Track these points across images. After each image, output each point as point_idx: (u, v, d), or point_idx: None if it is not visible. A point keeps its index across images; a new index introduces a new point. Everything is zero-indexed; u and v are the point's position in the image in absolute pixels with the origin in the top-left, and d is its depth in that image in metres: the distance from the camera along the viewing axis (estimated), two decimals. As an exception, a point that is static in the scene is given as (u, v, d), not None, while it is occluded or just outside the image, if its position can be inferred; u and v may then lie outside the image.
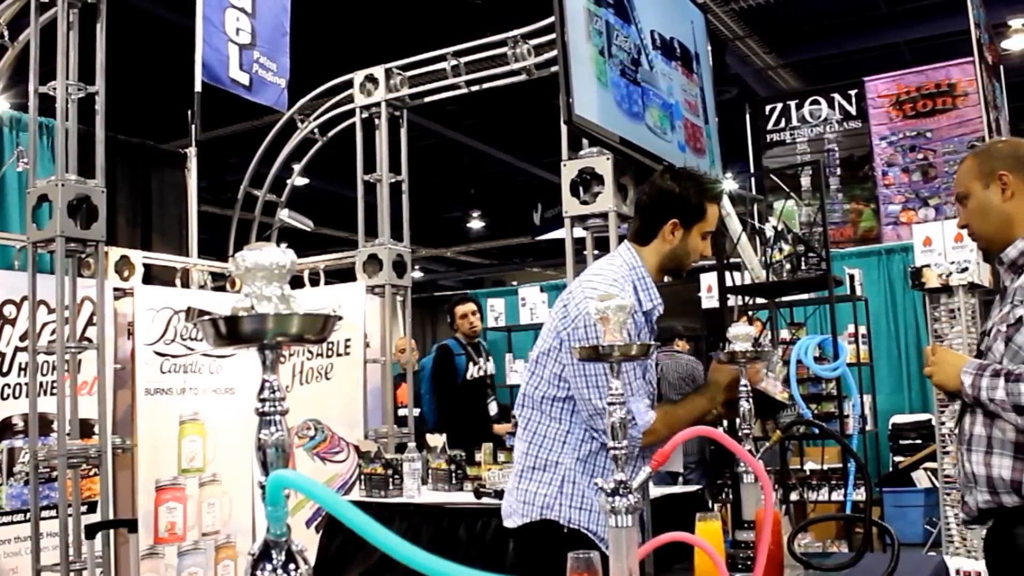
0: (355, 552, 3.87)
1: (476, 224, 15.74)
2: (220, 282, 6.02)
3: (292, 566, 0.97)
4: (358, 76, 5.48)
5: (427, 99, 5.48)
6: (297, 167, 6.19)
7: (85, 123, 4.14)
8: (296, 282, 4.31)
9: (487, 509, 3.71)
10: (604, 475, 2.28)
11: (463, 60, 5.13)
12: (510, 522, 2.39)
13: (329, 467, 5.16)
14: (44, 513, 4.17)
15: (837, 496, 6.50)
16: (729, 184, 9.06)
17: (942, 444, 5.94)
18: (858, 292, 7.01)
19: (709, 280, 8.46)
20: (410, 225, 5.57)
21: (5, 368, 4.42)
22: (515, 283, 14.98)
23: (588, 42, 3.82)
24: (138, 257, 5.15)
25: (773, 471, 5.25)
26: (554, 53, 4.15)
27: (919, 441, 7.55)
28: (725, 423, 4.30)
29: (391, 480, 4.24)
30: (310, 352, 5.25)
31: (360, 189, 5.49)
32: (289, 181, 6.29)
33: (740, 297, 5.83)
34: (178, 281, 5.41)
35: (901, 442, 7.67)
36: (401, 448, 4.76)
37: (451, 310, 6.38)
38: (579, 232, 4.30)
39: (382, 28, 7.88)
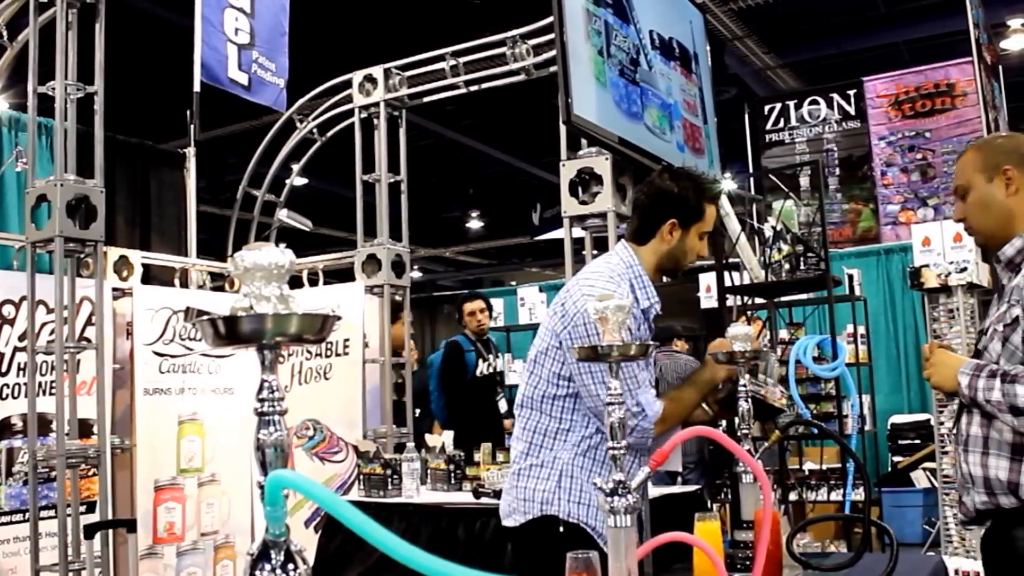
0: (354, 552, 3.87)
1: (475, 224, 15.75)
2: (219, 282, 6.02)
3: (291, 566, 0.97)
4: (357, 76, 5.48)
5: (426, 99, 5.48)
6: (296, 167, 6.19)
7: (84, 123, 4.14)
8: (295, 282, 4.30)
9: (486, 509, 3.71)
10: (603, 471, 2.29)
11: (462, 60, 5.13)
12: (510, 521, 2.38)
13: (328, 467, 5.16)
14: (43, 513, 4.17)
15: (836, 496, 6.50)
16: (728, 184, 9.07)
17: (941, 444, 5.94)
18: (857, 292, 7.02)
19: (708, 280, 8.48)
20: (409, 225, 5.57)
21: (4, 368, 4.41)
22: (514, 283, 14.98)
23: (587, 42, 3.82)
24: (137, 257, 5.14)
25: (772, 471, 5.25)
26: (553, 53, 4.15)
27: (918, 441, 7.55)
28: (724, 423, 4.30)
29: (390, 480, 4.23)
30: (309, 352, 5.25)
31: (359, 189, 5.49)
32: (288, 181, 6.29)
33: (739, 297, 5.83)
34: (177, 281, 5.40)
35: (900, 442, 7.67)
36: (400, 448, 4.76)
37: (459, 307, 6.36)
38: (578, 232, 4.31)
39: (381, 28, 7.88)
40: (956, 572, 4.88)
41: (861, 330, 7.16)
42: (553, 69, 4.16)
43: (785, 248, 5.17)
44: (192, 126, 5.67)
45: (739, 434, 2.24)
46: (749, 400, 2.27)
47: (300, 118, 5.89)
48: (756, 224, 5.87)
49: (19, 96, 5.12)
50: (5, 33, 4.60)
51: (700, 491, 4.68)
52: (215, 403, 5.19)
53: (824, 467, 6.57)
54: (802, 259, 5.14)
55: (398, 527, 3.87)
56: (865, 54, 9.44)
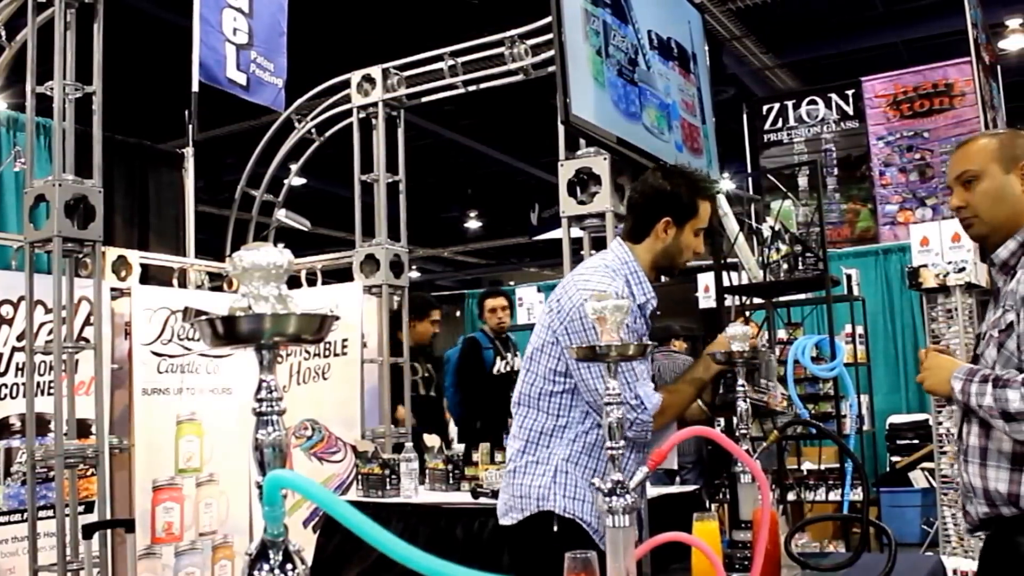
0: (352, 552, 3.87)
1: (473, 224, 15.75)
2: (217, 282, 6.01)
3: (289, 566, 0.97)
4: (355, 76, 5.48)
5: (424, 99, 5.48)
6: (294, 167, 6.19)
7: (82, 123, 4.13)
8: (293, 282, 4.30)
9: (484, 509, 3.71)
10: (600, 466, 2.29)
11: (460, 60, 5.13)
12: (507, 519, 2.38)
13: (326, 467, 5.16)
14: (41, 513, 4.17)
15: (834, 496, 6.50)
16: (726, 184, 9.06)
17: (939, 444, 5.95)
18: (855, 292, 7.01)
19: (706, 280, 8.46)
20: (407, 225, 5.57)
21: (2, 368, 4.42)
22: (512, 283, 14.97)
23: (585, 42, 3.82)
24: (135, 257, 5.14)
25: (770, 471, 5.25)
26: (551, 53, 4.16)
27: (916, 441, 7.55)
28: (722, 422, 4.30)
29: (388, 480, 4.23)
30: (307, 352, 5.25)
31: (357, 189, 5.49)
32: (286, 181, 6.29)
33: (737, 297, 5.83)
34: (175, 281, 5.40)
35: (898, 442, 7.67)
36: (398, 448, 4.76)
37: (480, 302, 6.34)
38: (576, 232, 4.31)
39: (379, 28, 7.88)
40: (954, 572, 4.89)
41: (859, 330, 7.15)
42: (551, 69, 4.17)
43: (783, 248, 5.16)
44: (190, 126, 5.67)
45: (737, 434, 2.25)
46: (747, 400, 2.27)
47: (298, 118, 5.89)
48: (754, 224, 5.86)
49: (17, 96, 5.12)
50: (3, 33, 4.59)
51: (698, 491, 4.68)
52: (213, 403, 5.19)
53: (822, 467, 6.57)
54: (800, 259, 5.14)
55: (396, 527, 3.87)
56: (863, 54, 9.45)
